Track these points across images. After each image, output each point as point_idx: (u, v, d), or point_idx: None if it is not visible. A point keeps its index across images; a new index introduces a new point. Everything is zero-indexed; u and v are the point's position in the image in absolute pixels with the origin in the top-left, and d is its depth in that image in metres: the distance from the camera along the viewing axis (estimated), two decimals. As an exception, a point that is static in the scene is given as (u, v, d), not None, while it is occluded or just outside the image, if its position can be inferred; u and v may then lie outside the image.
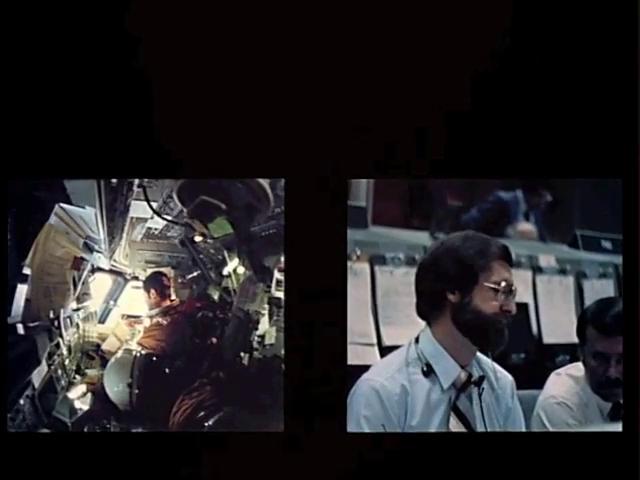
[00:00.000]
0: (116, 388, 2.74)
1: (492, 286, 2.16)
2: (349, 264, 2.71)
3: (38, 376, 2.62)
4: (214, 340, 2.88)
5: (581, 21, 2.51)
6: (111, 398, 2.73)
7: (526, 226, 3.66)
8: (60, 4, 2.52)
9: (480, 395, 2.21)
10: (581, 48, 2.52)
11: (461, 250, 2.18)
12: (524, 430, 2.29)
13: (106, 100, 2.54)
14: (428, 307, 2.21)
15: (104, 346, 2.85)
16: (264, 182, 2.61)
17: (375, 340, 2.78)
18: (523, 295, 2.43)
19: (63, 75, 2.54)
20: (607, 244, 2.70)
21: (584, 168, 2.55)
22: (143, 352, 2.80)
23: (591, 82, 2.52)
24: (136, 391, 2.73)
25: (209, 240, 2.82)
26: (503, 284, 2.16)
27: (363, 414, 2.13)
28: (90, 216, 2.70)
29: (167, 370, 2.76)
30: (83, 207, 2.67)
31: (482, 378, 2.21)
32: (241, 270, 2.92)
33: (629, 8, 2.49)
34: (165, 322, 2.94)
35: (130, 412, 2.71)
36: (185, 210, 2.69)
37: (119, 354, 2.81)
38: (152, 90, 2.55)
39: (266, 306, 2.84)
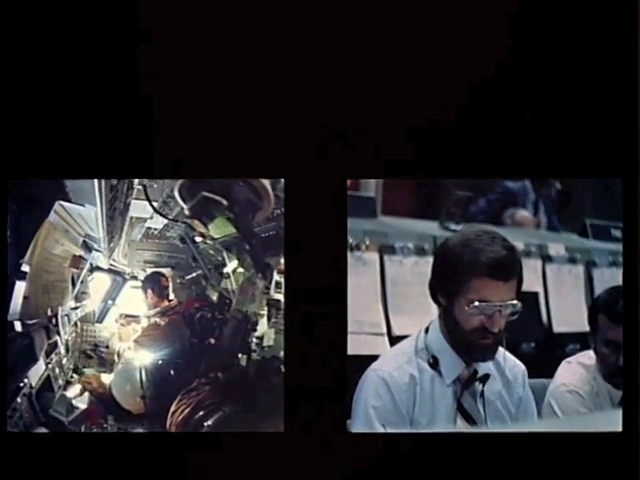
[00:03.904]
0: (123, 391, 2.74)
1: (466, 304, 2.11)
2: (358, 254, 2.72)
3: (35, 374, 2.61)
4: (212, 341, 2.87)
5: (581, 22, 2.52)
6: (123, 406, 2.73)
7: (523, 213, 3.62)
8: (60, 4, 2.53)
9: (483, 393, 2.20)
10: (581, 49, 2.53)
11: (450, 254, 2.12)
12: (535, 419, 2.28)
13: (105, 100, 2.55)
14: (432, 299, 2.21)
15: (106, 346, 2.85)
16: (265, 181, 2.61)
17: (385, 330, 2.77)
18: (533, 284, 2.44)
19: (63, 75, 2.54)
20: (617, 233, 2.70)
21: (584, 168, 2.55)
22: (148, 359, 2.80)
23: (591, 83, 2.53)
24: (148, 399, 2.73)
25: (208, 241, 2.81)
26: (476, 304, 2.08)
27: (372, 404, 2.12)
28: (90, 214, 2.70)
29: (172, 372, 2.76)
30: (83, 205, 2.67)
31: (487, 376, 2.20)
32: (240, 271, 2.92)
33: (629, 8, 2.50)
34: (163, 322, 2.93)
35: (144, 415, 2.71)
36: (186, 207, 2.67)
37: (125, 363, 2.81)
38: (152, 90, 2.55)
39: (265, 308, 2.84)
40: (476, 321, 2.11)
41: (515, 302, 2.11)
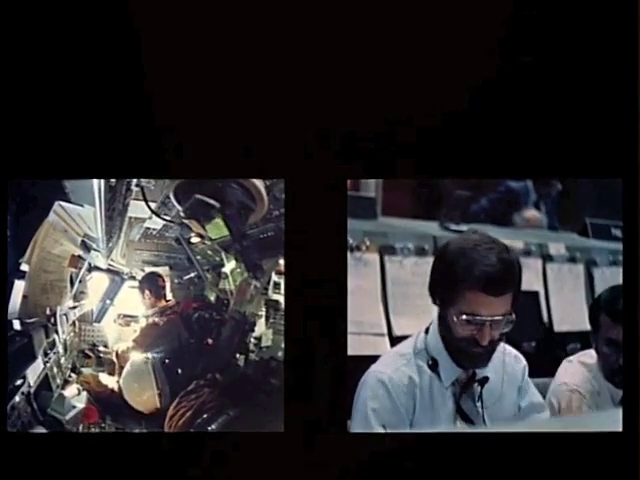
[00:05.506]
0: (134, 391, 2.74)
1: (457, 315, 2.10)
2: (358, 254, 2.72)
3: (33, 373, 2.61)
4: (210, 341, 2.87)
5: (581, 22, 2.52)
6: (135, 407, 2.72)
7: (532, 213, 3.62)
8: (59, 4, 2.53)
9: (481, 395, 2.21)
10: (581, 49, 2.53)
11: (447, 261, 2.12)
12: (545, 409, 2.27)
13: (105, 100, 2.54)
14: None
15: (104, 346, 2.85)
16: (259, 183, 2.61)
17: (385, 330, 2.76)
18: (534, 283, 2.44)
19: (62, 75, 2.54)
20: (617, 232, 2.71)
21: (584, 168, 2.55)
22: (155, 357, 2.80)
23: (591, 83, 2.53)
24: (164, 397, 2.73)
25: (207, 242, 2.81)
26: (465, 317, 2.08)
27: (371, 406, 2.13)
28: (89, 214, 2.70)
29: (180, 370, 2.76)
30: (82, 205, 2.67)
31: (486, 379, 2.20)
32: (238, 271, 2.92)
33: (629, 8, 2.50)
34: (161, 322, 2.93)
35: (156, 413, 2.71)
36: (181, 209, 2.68)
37: (132, 364, 2.80)
38: (152, 90, 2.55)
39: (263, 308, 2.84)
40: (466, 331, 2.10)
41: (507, 317, 2.09)
